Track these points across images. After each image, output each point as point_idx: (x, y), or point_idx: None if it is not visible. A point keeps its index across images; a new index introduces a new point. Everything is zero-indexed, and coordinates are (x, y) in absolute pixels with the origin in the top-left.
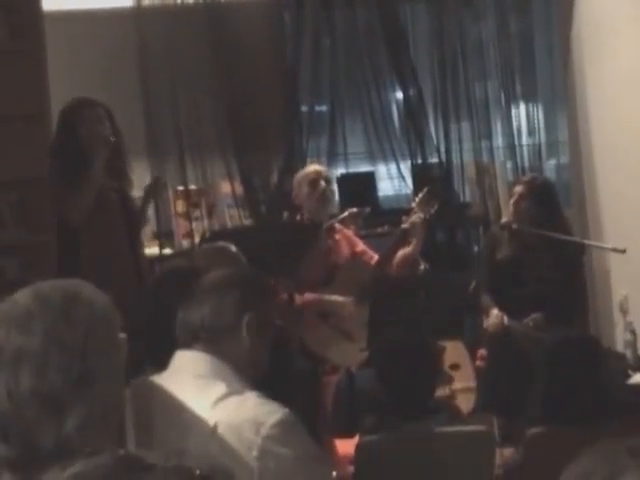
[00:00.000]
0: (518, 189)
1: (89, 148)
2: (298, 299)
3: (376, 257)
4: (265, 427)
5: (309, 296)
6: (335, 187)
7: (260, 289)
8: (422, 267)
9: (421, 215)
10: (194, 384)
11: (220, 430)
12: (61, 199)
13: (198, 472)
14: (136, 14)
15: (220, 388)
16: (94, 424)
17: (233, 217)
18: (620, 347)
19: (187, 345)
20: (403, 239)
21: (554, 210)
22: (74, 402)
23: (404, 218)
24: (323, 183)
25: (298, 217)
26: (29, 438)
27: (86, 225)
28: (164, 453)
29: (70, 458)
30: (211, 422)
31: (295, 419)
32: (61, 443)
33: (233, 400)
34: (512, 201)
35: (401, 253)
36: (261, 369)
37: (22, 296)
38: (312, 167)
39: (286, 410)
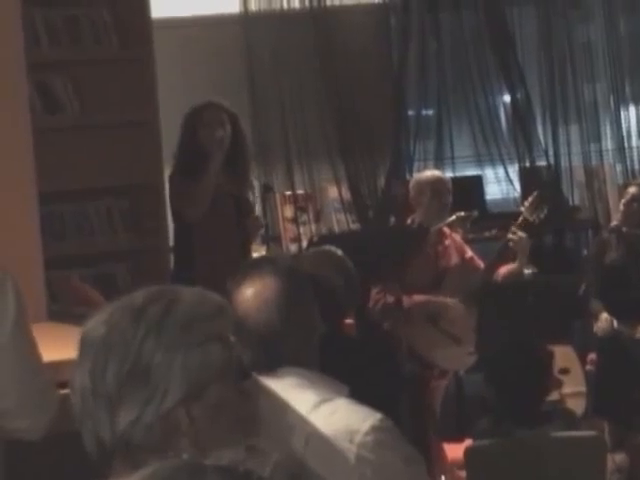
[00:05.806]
0: (631, 190)
1: (206, 150)
2: (406, 301)
3: (482, 266)
4: (359, 435)
5: (418, 297)
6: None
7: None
8: (530, 271)
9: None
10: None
11: (313, 442)
12: (178, 197)
13: (256, 476)
14: (243, 20)
15: (309, 397)
16: (153, 422)
17: (340, 221)
18: None
19: None
20: (506, 254)
21: None
22: (124, 398)
23: (512, 222)
24: (448, 196)
25: (409, 220)
26: (95, 432)
27: (201, 224)
28: (237, 453)
29: (129, 454)
30: (304, 434)
31: (389, 423)
32: (116, 438)
33: (324, 409)
34: (624, 201)
35: (505, 269)
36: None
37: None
38: (434, 174)
39: (379, 415)
